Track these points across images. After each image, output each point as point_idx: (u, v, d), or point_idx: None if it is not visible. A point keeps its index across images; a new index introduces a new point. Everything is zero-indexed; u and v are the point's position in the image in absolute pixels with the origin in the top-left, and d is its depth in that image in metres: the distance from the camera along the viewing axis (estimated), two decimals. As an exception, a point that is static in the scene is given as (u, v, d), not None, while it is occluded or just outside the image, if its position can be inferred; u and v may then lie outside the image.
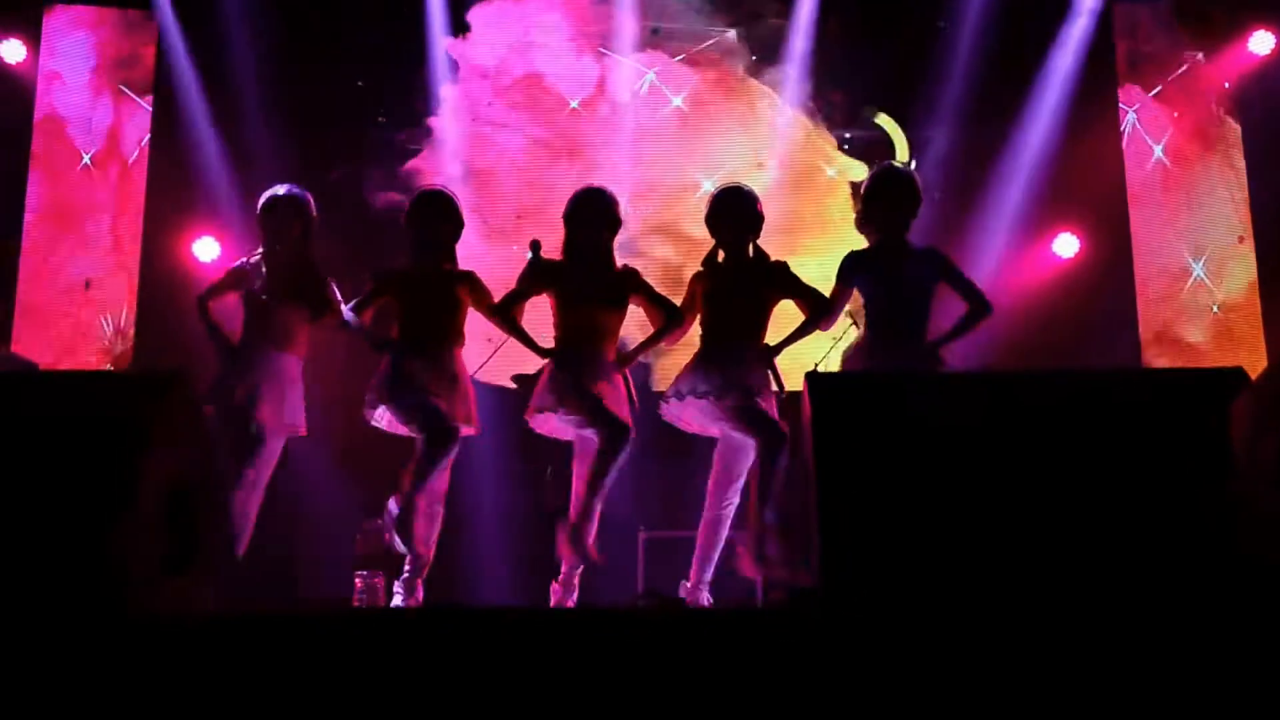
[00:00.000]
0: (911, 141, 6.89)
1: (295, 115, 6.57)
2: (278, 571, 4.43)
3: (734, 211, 4.60)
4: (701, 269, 4.65)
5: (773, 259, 4.64)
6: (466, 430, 4.59)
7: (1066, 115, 6.67)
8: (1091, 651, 2.57)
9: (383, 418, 4.55)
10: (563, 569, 4.44)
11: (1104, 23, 6.93)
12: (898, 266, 4.46)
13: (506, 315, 4.65)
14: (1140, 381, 3.55)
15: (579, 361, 4.49)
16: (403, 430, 4.54)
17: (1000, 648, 2.59)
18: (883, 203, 4.52)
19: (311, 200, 4.85)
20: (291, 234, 4.76)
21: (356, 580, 4.86)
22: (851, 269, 4.52)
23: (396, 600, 4.44)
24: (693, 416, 4.46)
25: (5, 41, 6.69)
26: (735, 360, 4.43)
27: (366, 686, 2.62)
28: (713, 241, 4.64)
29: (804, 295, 4.59)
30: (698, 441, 4.73)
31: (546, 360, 4.59)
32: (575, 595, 4.43)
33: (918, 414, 2.93)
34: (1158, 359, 6.67)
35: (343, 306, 4.71)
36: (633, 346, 4.71)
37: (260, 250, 4.80)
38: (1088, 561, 2.71)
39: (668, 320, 4.62)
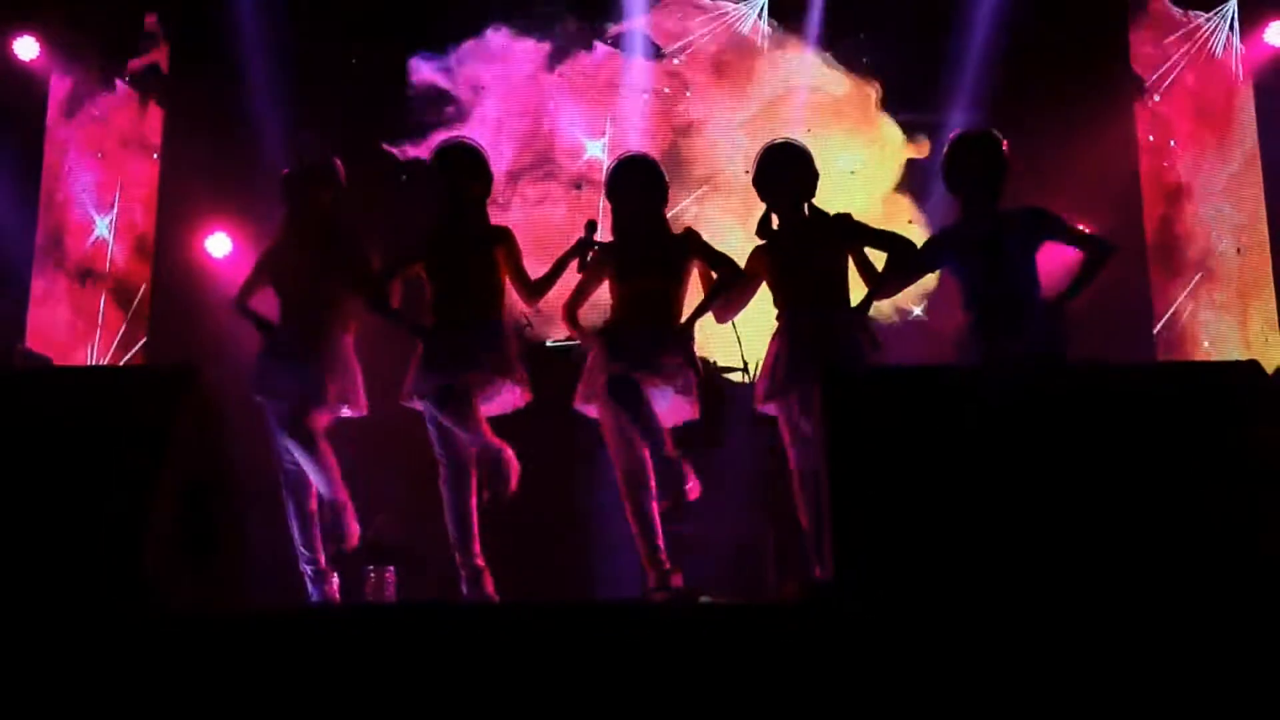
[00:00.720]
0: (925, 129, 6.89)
1: (309, 107, 6.59)
2: (283, 565, 4.41)
3: (786, 170, 4.27)
4: (760, 241, 4.30)
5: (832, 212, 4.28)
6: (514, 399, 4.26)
7: (1078, 106, 6.65)
8: (1106, 649, 2.58)
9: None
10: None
11: (1117, 10, 6.92)
12: (994, 238, 4.13)
13: (570, 318, 4.36)
14: (1156, 375, 3.55)
15: (633, 342, 4.15)
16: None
17: (1016, 644, 2.60)
18: (963, 169, 4.20)
19: (340, 166, 4.55)
20: (320, 203, 4.46)
21: (369, 574, 4.91)
22: (938, 249, 4.22)
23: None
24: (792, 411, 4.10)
25: (19, 38, 6.72)
26: (823, 332, 4.09)
27: (384, 681, 2.64)
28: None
29: (883, 242, 4.24)
30: (726, 429, 4.65)
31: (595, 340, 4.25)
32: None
33: (932, 408, 2.94)
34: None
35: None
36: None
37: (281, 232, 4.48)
38: (1103, 558, 2.71)
39: (726, 277, 4.26)
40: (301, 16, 6.63)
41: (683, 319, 4.26)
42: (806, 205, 4.28)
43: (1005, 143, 4.23)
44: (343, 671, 2.65)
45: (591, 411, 4.27)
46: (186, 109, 6.83)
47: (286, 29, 6.60)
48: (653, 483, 4.09)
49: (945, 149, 4.33)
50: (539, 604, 4.08)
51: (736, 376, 5.54)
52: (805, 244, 4.21)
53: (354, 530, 4.30)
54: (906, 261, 4.21)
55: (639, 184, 4.34)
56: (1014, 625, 2.62)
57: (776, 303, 4.27)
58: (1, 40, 6.65)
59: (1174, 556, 2.70)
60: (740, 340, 5.22)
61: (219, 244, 6.67)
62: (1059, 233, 4.18)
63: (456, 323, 4.21)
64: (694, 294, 4.34)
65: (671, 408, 4.20)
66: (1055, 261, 4.34)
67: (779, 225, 4.29)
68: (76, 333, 6.82)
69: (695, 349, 4.27)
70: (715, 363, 5.66)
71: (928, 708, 2.54)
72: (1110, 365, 4.09)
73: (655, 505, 4.12)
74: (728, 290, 4.28)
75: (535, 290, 4.37)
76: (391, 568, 5.15)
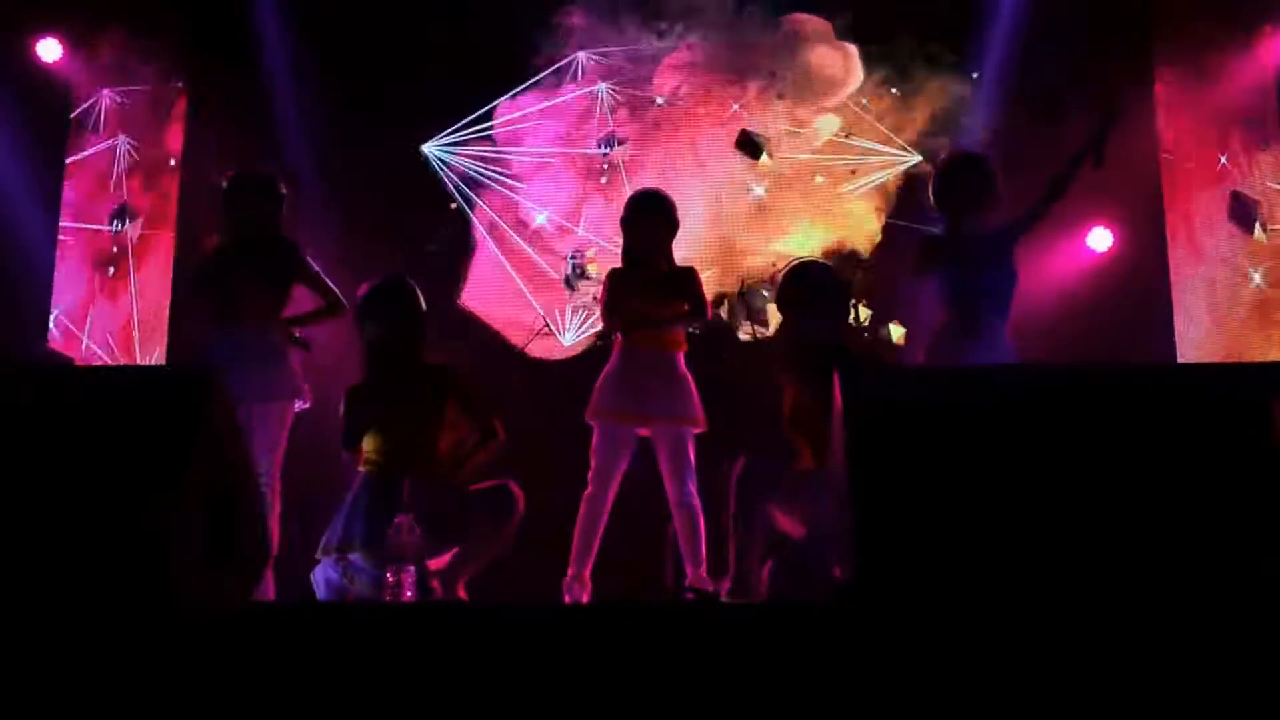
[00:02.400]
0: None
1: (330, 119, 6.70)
2: (301, 565, 4.49)
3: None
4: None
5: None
6: None
7: (1099, 104, 6.62)
8: (1129, 655, 2.59)
9: None
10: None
11: (1141, 7, 6.89)
12: (974, 253, 4.40)
13: (607, 336, 4.87)
14: (1181, 377, 3.55)
15: (640, 362, 4.65)
16: None
17: (1041, 649, 2.61)
18: (955, 188, 4.49)
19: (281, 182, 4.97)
20: (262, 214, 4.87)
21: (387, 575, 4.93)
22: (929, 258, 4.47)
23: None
24: None
25: (42, 40, 6.81)
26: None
27: (402, 682, 2.68)
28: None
29: None
30: (734, 433, 4.82)
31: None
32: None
33: (954, 408, 2.96)
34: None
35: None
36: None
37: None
38: (1128, 563, 2.71)
39: (691, 310, 4.78)
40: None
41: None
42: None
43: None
44: (363, 673, 2.70)
45: (597, 421, 4.70)
46: (208, 115, 6.90)
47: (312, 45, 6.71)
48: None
49: (939, 167, 4.61)
50: (558, 606, 4.13)
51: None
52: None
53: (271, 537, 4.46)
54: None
55: (653, 214, 4.80)
56: (1041, 630, 2.63)
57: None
58: (24, 42, 6.74)
59: (1202, 561, 2.70)
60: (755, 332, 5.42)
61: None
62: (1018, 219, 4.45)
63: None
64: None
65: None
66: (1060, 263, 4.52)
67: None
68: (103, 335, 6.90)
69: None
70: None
71: (951, 712, 2.56)
72: (1134, 366, 4.13)
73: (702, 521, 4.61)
74: (687, 320, 4.82)
75: (603, 335, 5.03)
76: (410, 568, 5.17)
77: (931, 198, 4.60)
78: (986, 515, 2.76)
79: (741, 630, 2.81)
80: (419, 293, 4.53)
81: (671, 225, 4.86)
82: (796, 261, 4.52)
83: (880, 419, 2.94)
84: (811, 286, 4.30)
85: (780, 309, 4.48)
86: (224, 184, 4.95)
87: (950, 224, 4.50)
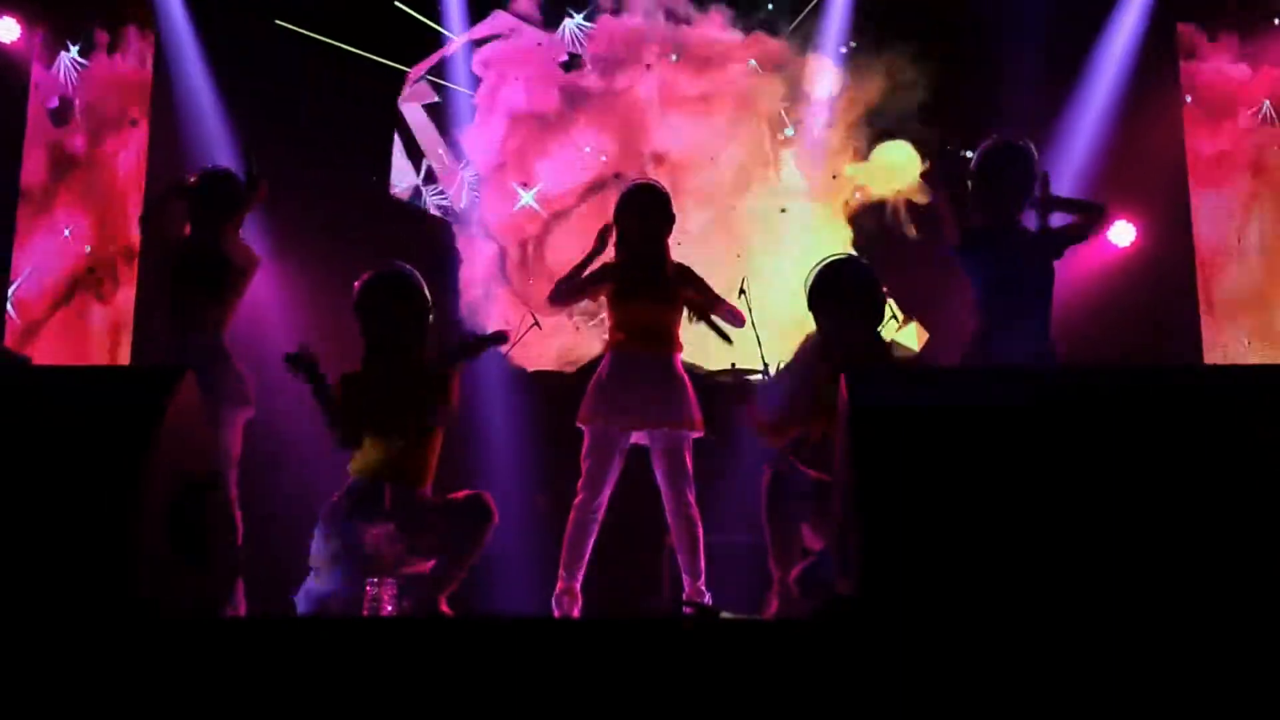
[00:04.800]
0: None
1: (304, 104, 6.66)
2: (277, 575, 4.46)
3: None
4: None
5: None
6: None
7: (1124, 96, 6.62)
8: (1145, 666, 2.55)
9: None
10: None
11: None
12: (1013, 246, 4.37)
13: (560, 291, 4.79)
14: (1203, 379, 3.52)
15: (633, 366, 4.61)
16: None
17: (1055, 663, 2.57)
18: (995, 182, 4.44)
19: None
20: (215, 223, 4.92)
21: (367, 588, 4.88)
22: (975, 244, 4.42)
23: None
24: None
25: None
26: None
27: (382, 701, 2.64)
28: None
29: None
30: (733, 438, 4.78)
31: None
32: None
33: (966, 411, 2.92)
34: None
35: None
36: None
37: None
38: (1147, 574, 2.67)
39: (725, 318, 4.77)
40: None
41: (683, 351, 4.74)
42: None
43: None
44: (341, 689, 2.65)
45: (588, 428, 4.66)
46: (171, 111, 6.86)
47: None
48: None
49: (981, 152, 4.43)
50: (553, 620, 4.10)
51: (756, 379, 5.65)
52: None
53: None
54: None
55: (648, 206, 4.74)
56: (1055, 644, 2.59)
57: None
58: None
59: (1219, 572, 2.66)
60: (760, 341, 5.29)
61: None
62: (1064, 228, 4.46)
63: None
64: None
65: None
66: (1081, 257, 4.50)
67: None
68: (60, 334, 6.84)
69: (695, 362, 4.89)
70: (734, 365, 5.79)
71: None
72: (1156, 367, 4.11)
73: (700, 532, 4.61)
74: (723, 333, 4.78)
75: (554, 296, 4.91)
76: (391, 581, 5.14)
77: (970, 186, 4.50)
78: (998, 525, 2.72)
79: (738, 647, 2.76)
80: (423, 285, 4.35)
81: (669, 219, 4.80)
82: (830, 259, 4.21)
83: (888, 424, 2.90)
84: (849, 285, 4.08)
85: (814, 309, 4.11)
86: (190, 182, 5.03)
87: (990, 215, 4.45)
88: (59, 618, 2.66)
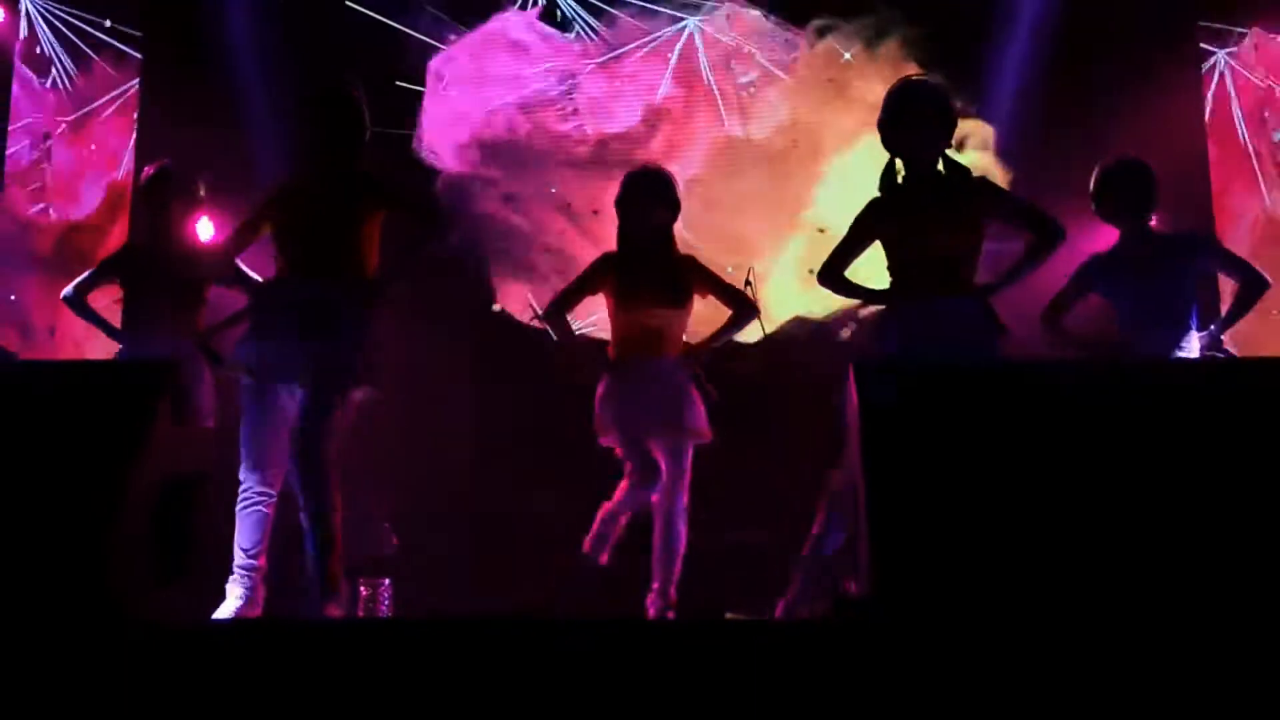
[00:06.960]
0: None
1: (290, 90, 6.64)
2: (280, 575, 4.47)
3: (923, 108, 3.97)
4: (879, 195, 4.03)
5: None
6: None
7: (1142, 86, 6.59)
8: (1158, 663, 2.56)
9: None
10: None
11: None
12: (1150, 262, 4.40)
13: (557, 316, 4.66)
14: (1219, 372, 3.52)
15: (636, 374, 4.47)
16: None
17: (1066, 662, 2.58)
18: (1120, 197, 4.48)
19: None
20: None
21: (361, 588, 4.91)
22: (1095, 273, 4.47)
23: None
24: None
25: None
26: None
27: (377, 702, 2.65)
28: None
29: (1024, 218, 4.04)
30: (748, 437, 4.73)
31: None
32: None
33: (976, 407, 2.92)
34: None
35: None
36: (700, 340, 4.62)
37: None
38: (1157, 569, 2.68)
39: (738, 313, 4.57)
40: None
41: (687, 350, 4.56)
42: (941, 158, 3.98)
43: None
44: (339, 687, 2.67)
45: (607, 441, 4.54)
46: (163, 92, 6.87)
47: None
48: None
49: (1098, 175, 4.54)
50: (553, 620, 4.10)
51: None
52: (937, 205, 3.94)
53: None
54: (1044, 255, 3.99)
55: (651, 193, 4.54)
56: (1066, 642, 2.60)
57: (894, 269, 4.05)
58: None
59: (1231, 567, 2.67)
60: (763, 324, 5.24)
61: (203, 228, 6.67)
62: (1217, 257, 4.58)
63: None
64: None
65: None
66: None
67: (904, 180, 4.01)
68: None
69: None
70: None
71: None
72: (1170, 362, 4.10)
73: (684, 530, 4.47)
74: (739, 327, 4.57)
75: (551, 314, 4.72)
76: (388, 580, 5.16)
77: (1095, 206, 4.55)
78: (1012, 524, 2.73)
79: (747, 648, 2.77)
80: (363, 105, 4.11)
81: (674, 207, 4.62)
82: (908, 79, 4.10)
83: (900, 421, 2.90)
84: (928, 102, 3.96)
85: (894, 125, 3.94)
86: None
87: (1123, 232, 4.52)
88: (29, 620, 2.68)
